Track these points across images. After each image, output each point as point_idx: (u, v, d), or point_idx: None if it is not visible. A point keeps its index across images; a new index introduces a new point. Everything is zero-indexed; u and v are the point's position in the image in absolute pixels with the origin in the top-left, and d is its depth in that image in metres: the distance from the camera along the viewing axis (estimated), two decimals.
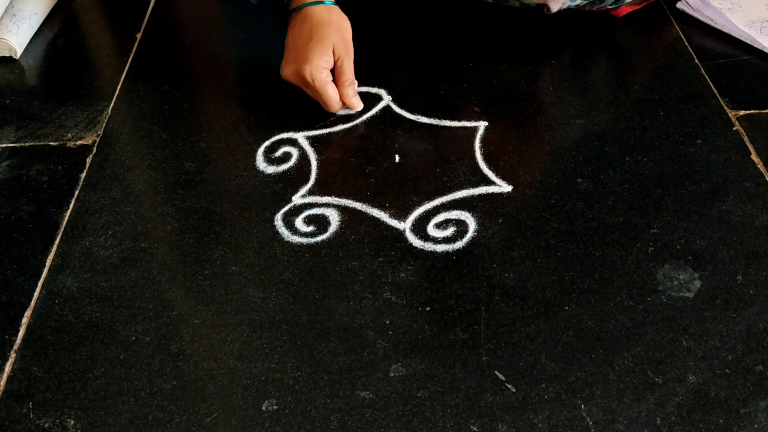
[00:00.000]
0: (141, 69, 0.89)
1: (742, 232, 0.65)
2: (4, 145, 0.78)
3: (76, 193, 0.72)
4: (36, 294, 0.63)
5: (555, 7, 0.85)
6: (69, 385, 0.56)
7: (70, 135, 0.79)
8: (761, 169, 0.71)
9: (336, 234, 0.67)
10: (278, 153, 0.75)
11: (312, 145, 0.76)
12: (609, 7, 0.89)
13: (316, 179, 0.72)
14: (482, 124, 0.77)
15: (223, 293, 0.62)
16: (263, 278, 0.63)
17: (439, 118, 0.78)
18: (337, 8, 0.78)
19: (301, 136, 0.77)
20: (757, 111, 0.78)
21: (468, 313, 0.60)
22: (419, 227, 0.67)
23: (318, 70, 0.75)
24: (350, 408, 0.54)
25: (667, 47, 0.89)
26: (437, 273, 0.63)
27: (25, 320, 0.61)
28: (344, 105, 0.78)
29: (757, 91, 0.81)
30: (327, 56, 0.75)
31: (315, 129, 0.78)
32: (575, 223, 0.67)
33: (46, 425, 0.54)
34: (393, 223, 0.67)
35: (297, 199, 0.70)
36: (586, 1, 0.86)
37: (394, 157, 0.74)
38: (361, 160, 0.74)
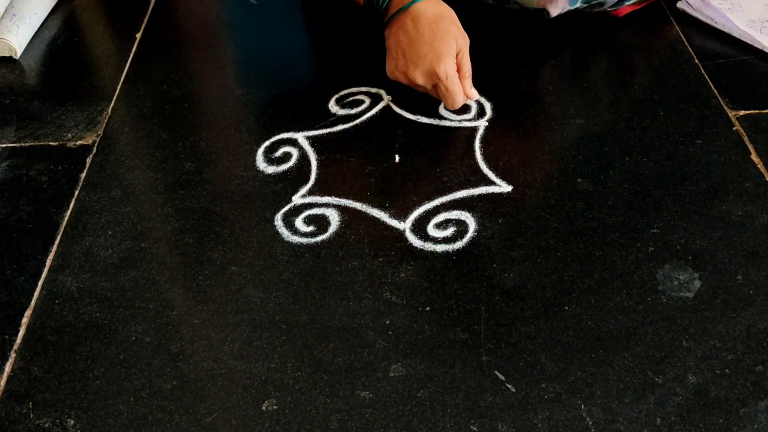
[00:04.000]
0: (141, 69, 0.89)
1: (742, 232, 0.65)
2: (4, 145, 0.78)
3: (76, 193, 0.72)
4: (36, 294, 0.63)
5: (554, 12, 0.85)
6: (69, 385, 0.56)
7: (70, 135, 0.79)
8: (761, 169, 0.71)
9: (336, 234, 0.67)
10: (278, 153, 0.75)
11: (312, 145, 0.76)
12: (609, 8, 0.89)
13: (316, 179, 0.72)
14: (482, 124, 0.77)
15: (223, 293, 0.62)
16: (263, 278, 0.63)
17: (439, 118, 0.78)
18: (440, 0, 0.76)
19: (301, 136, 0.77)
20: (757, 111, 0.78)
21: (468, 313, 0.60)
22: (419, 227, 0.67)
23: (452, 66, 0.73)
24: (350, 408, 0.54)
25: (667, 47, 0.89)
26: (437, 273, 0.63)
27: (25, 320, 0.61)
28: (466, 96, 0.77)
29: (757, 91, 0.81)
30: (454, 50, 0.73)
31: (315, 129, 0.78)
32: (575, 223, 0.67)
33: (46, 425, 0.54)
34: (393, 223, 0.67)
35: (297, 199, 0.70)
36: (585, 4, 0.86)
37: (394, 157, 0.74)
38: (361, 160, 0.74)
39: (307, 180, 0.72)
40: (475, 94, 0.77)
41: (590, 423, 0.52)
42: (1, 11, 0.92)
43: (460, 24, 0.75)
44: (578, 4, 0.86)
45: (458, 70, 0.74)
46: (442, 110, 0.79)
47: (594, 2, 0.86)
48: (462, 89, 0.75)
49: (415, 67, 0.74)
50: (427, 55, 0.73)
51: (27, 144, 0.78)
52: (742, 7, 0.91)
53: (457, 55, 0.74)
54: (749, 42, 0.87)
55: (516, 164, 0.72)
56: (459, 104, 0.75)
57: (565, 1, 0.84)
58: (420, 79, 0.74)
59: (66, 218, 0.70)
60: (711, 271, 0.62)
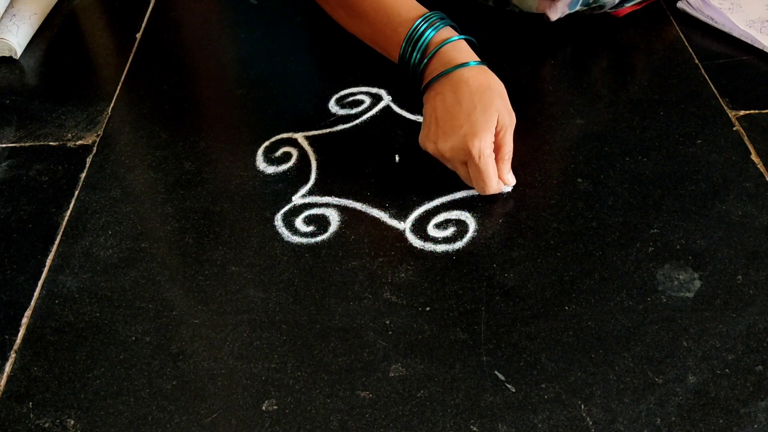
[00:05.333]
0: (141, 69, 0.89)
1: (742, 232, 0.65)
2: (4, 145, 0.78)
3: (76, 193, 0.72)
4: (36, 294, 0.63)
5: (554, 17, 0.85)
6: (69, 385, 0.56)
7: (70, 135, 0.79)
8: (761, 169, 0.71)
9: (336, 234, 0.67)
10: (278, 153, 0.75)
11: (312, 145, 0.76)
12: (609, 10, 0.89)
13: (316, 179, 0.72)
14: None
15: (223, 293, 0.62)
16: (263, 278, 0.63)
17: None
18: (488, 69, 0.67)
19: (301, 136, 0.77)
20: (757, 111, 0.78)
21: (468, 313, 0.60)
22: (419, 227, 0.67)
23: (487, 145, 0.63)
24: (350, 408, 0.54)
25: (667, 47, 0.89)
26: (437, 273, 0.63)
27: (25, 320, 0.61)
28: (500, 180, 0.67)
29: (757, 91, 0.81)
30: (494, 127, 0.64)
31: (315, 129, 0.78)
32: (575, 223, 0.67)
33: (46, 425, 0.54)
34: (393, 223, 0.67)
35: (297, 199, 0.70)
36: (585, 7, 0.86)
37: (394, 157, 0.74)
38: (361, 160, 0.74)
39: (307, 180, 0.72)
40: (512, 179, 0.67)
41: (590, 423, 0.52)
42: (1, 11, 0.92)
43: (508, 99, 0.66)
44: (578, 8, 0.86)
45: (496, 151, 0.66)
46: None
47: (594, 5, 0.86)
48: (497, 172, 0.66)
49: (446, 139, 0.65)
50: (462, 128, 0.64)
51: (27, 144, 0.78)
52: (742, 7, 0.91)
53: (498, 133, 0.65)
54: (749, 42, 0.87)
55: (516, 164, 0.72)
56: (492, 190, 0.66)
57: (564, 5, 0.84)
58: (448, 153, 0.65)
59: (66, 218, 0.70)
60: (711, 271, 0.62)
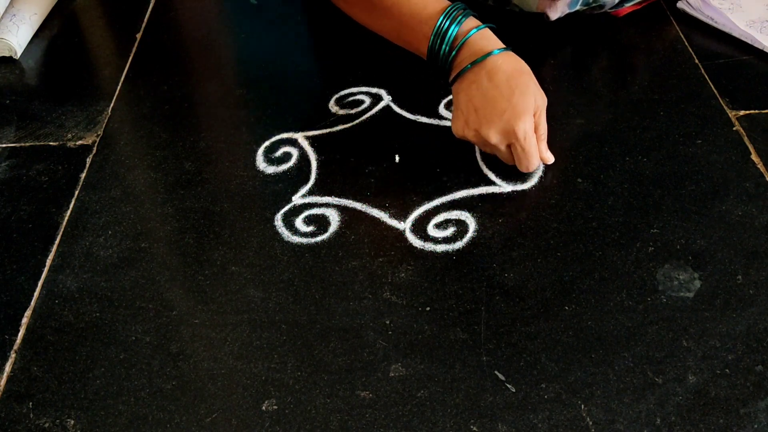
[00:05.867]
0: (141, 69, 0.89)
1: (742, 232, 0.65)
2: (4, 145, 0.78)
3: (76, 193, 0.72)
4: (36, 294, 0.63)
5: (554, 16, 0.85)
6: (69, 385, 0.56)
7: (70, 135, 0.79)
8: (761, 169, 0.71)
9: (336, 234, 0.67)
10: (278, 153, 0.75)
11: (312, 145, 0.76)
12: (609, 10, 0.89)
13: (316, 179, 0.72)
14: None
15: (223, 293, 0.62)
16: (263, 278, 0.63)
17: (439, 118, 0.78)
18: (514, 53, 0.70)
19: (301, 136, 0.77)
20: (757, 111, 0.78)
21: (468, 313, 0.60)
22: (419, 227, 0.67)
23: (531, 125, 0.67)
24: (350, 408, 0.54)
25: (667, 47, 0.89)
26: (437, 273, 0.63)
27: (25, 320, 0.61)
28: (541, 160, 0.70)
29: (757, 91, 0.81)
30: (533, 108, 0.67)
31: (315, 129, 0.78)
32: (575, 223, 0.67)
33: (46, 425, 0.54)
34: (393, 223, 0.67)
35: (297, 199, 0.70)
36: (585, 7, 0.86)
37: (394, 157, 0.74)
38: (361, 160, 0.74)
39: (307, 180, 0.72)
40: (550, 157, 0.71)
41: (590, 423, 0.52)
42: (1, 11, 0.92)
43: (536, 81, 0.69)
44: (578, 7, 0.86)
45: (535, 131, 0.68)
46: (442, 110, 0.79)
47: (594, 5, 0.86)
48: (538, 152, 0.69)
49: (490, 124, 0.67)
50: (505, 112, 0.66)
51: (27, 144, 0.78)
52: (742, 7, 0.91)
53: (534, 114, 0.68)
54: (749, 42, 0.87)
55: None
56: (534, 167, 0.69)
57: (564, 4, 0.85)
58: (494, 137, 0.67)
59: (66, 218, 0.70)
60: (711, 271, 0.62)
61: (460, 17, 0.69)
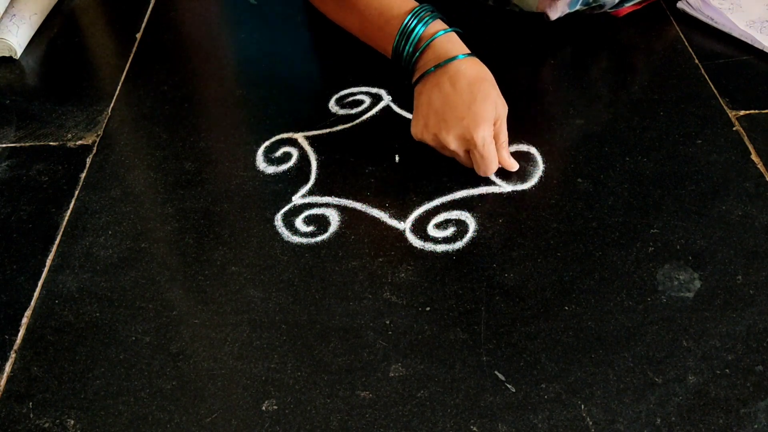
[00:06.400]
0: (141, 69, 0.89)
1: (742, 232, 0.65)
2: (4, 145, 0.78)
3: (76, 193, 0.72)
4: (36, 294, 0.63)
5: (554, 16, 0.85)
6: (69, 385, 0.56)
7: (70, 135, 0.79)
8: (761, 169, 0.71)
9: (336, 234, 0.67)
10: (278, 153, 0.75)
11: (312, 145, 0.76)
12: (609, 10, 0.89)
13: (316, 179, 0.72)
14: None
15: (223, 293, 0.62)
16: (263, 278, 0.63)
17: None
18: (478, 60, 0.70)
19: (301, 136, 0.77)
20: (757, 111, 0.78)
21: (468, 313, 0.60)
22: (419, 227, 0.67)
23: (490, 133, 0.67)
24: (350, 408, 0.54)
25: (667, 47, 0.89)
26: (437, 273, 0.63)
27: (25, 320, 0.61)
28: (502, 166, 0.70)
29: (757, 91, 0.81)
30: (493, 116, 0.67)
31: (315, 129, 0.78)
32: (575, 223, 0.67)
33: (46, 425, 0.54)
34: (393, 223, 0.67)
35: (297, 199, 0.70)
36: (585, 7, 0.86)
37: (394, 157, 0.74)
38: (361, 160, 0.74)
39: (307, 180, 0.72)
40: (514, 164, 0.71)
41: (590, 423, 0.52)
42: (1, 11, 0.92)
43: (499, 89, 0.69)
44: (578, 7, 0.86)
45: (495, 139, 0.69)
46: None
47: (594, 4, 0.86)
48: (497, 158, 0.69)
49: (449, 130, 0.67)
50: (464, 119, 0.66)
51: (27, 144, 0.78)
52: (742, 7, 0.91)
53: (495, 123, 0.68)
54: (749, 42, 0.87)
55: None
56: (492, 172, 0.70)
57: (564, 4, 0.85)
58: (453, 143, 0.68)
59: (66, 218, 0.70)
60: (711, 271, 0.62)
61: (427, 18, 0.69)
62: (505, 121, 0.69)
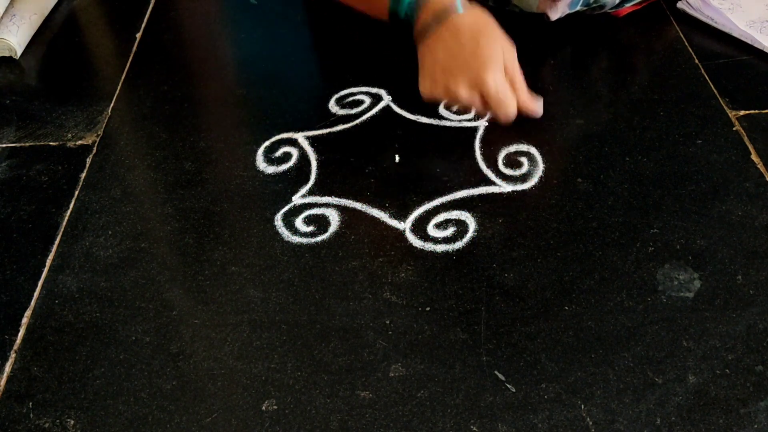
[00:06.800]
0: (141, 69, 0.89)
1: (742, 232, 0.65)
2: (4, 145, 0.78)
3: (76, 193, 0.72)
4: (36, 294, 0.63)
5: (554, 16, 0.85)
6: (69, 385, 0.56)
7: (70, 135, 0.79)
8: (761, 169, 0.71)
9: (336, 234, 0.67)
10: (278, 153, 0.75)
11: (312, 145, 0.76)
12: (609, 10, 0.89)
13: (316, 179, 0.72)
14: (482, 124, 0.77)
15: (223, 293, 0.62)
16: (263, 278, 0.63)
17: (439, 118, 0.78)
18: (477, 5, 0.68)
19: (301, 136, 0.77)
20: (757, 111, 0.78)
21: (468, 313, 0.60)
22: (419, 227, 0.67)
23: (501, 75, 0.65)
24: (350, 408, 0.54)
25: (667, 47, 0.89)
26: (437, 273, 0.63)
27: (25, 320, 0.61)
28: (524, 111, 0.68)
29: (757, 91, 0.81)
30: (502, 59, 0.66)
31: (315, 129, 0.78)
32: (575, 223, 0.67)
33: (46, 425, 0.54)
34: (393, 223, 0.67)
35: (297, 199, 0.70)
36: (585, 7, 0.86)
37: (394, 157, 0.74)
38: (361, 160, 0.74)
39: (307, 180, 0.72)
40: (537, 107, 0.68)
41: (590, 423, 0.52)
42: (1, 11, 0.92)
43: (503, 32, 0.67)
44: (578, 8, 0.86)
45: (510, 84, 0.67)
46: (442, 110, 0.79)
47: (594, 5, 0.86)
48: (515, 100, 0.67)
49: (458, 78, 0.65)
50: (471, 64, 0.65)
51: (27, 144, 0.78)
52: (742, 7, 0.91)
53: (506, 66, 0.66)
54: (749, 42, 0.87)
55: (516, 164, 0.72)
56: (513, 114, 0.67)
57: (564, 5, 0.85)
58: (464, 92, 0.65)
59: (66, 218, 0.70)
60: (711, 271, 0.62)
61: None
62: (516, 62, 0.68)
